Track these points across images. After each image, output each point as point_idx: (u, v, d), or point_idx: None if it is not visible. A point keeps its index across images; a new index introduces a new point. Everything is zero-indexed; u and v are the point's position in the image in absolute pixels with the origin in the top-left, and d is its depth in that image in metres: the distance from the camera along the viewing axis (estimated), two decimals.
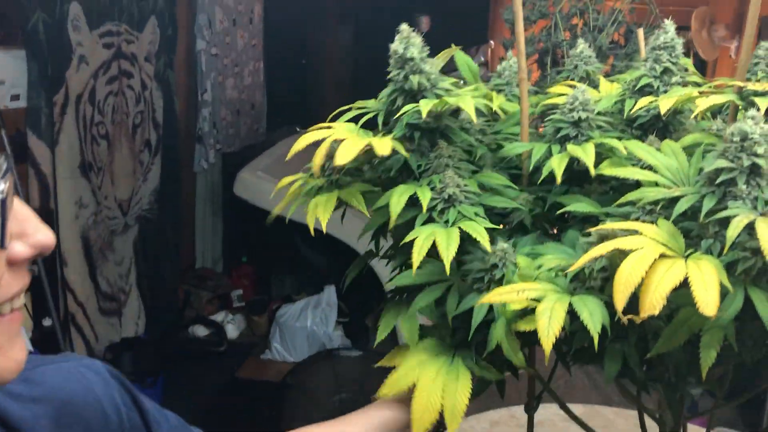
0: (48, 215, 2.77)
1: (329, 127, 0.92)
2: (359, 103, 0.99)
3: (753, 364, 0.73)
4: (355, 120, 0.93)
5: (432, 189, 0.85)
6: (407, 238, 0.81)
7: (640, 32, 1.18)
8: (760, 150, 0.69)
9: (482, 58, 4.11)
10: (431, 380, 0.81)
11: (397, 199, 0.84)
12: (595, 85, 1.13)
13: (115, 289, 3.35)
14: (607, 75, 1.71)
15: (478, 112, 0.96)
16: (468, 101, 0.85)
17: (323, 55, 5.70)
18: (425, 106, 0.83)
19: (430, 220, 0.85)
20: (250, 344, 3.84)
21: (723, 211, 0.68)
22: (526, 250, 0.83)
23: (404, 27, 0.91)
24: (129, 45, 3.32)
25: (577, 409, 1.90)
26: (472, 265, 0.82)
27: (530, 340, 0.81)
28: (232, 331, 3.90)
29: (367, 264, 1.03)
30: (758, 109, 0.74)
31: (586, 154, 0.83)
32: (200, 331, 3.82)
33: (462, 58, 1.07)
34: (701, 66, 6.46)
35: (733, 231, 0.64)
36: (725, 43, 6.27)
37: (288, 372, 2.97)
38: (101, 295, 3.22)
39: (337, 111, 1.00)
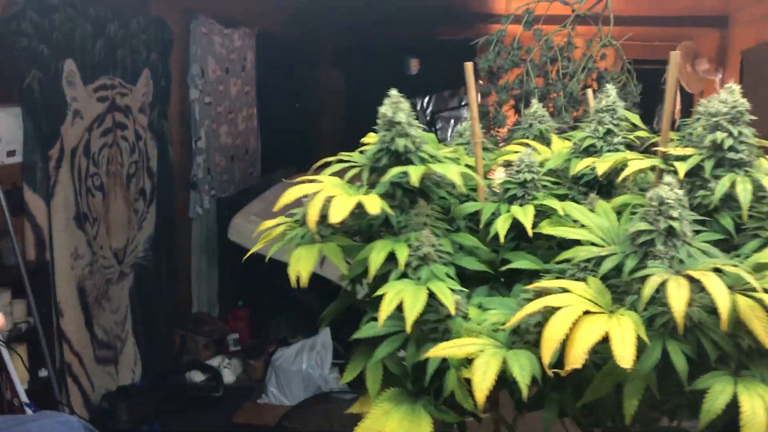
0: (44, 267, 2.83)
1: (316, 180, 0.99)
2: (343, 155, 1.06)
3: (675, 408, 0.79)
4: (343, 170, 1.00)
5: (409, 246, 0.92)
6: (379, 292, 0.87)
7: (590, 92, 1.26)
8: (674, 213, 0.75)
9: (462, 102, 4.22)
10: (396, 429, 0.86)
11: (376, 255, 0.90)
12: (548, 143, 1.21)
13: (111, 336, 3.39)
14: (578, 120, 1.81)
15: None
16: (453, 170, 0.92)
17: (316, 99, 5.83)
18: (415, 173, 0.89)
19: (404, 274, 0.91)
20: (246, 388, 3.86)
21: (642, 270, 0.74)
22: (477, 301, 0.89)
23: (393, 92, 0.98)
24: (123, 97, 3.42)
25: None
26: (428, 316, 0.88)
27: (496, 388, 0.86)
28: (228, 375, 3.92)
29: (346, 305, 1.09)
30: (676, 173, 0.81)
31: (525, 215, 0.90)
32: (197, 376, 3.85)
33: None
34: (689, 98, 6.59)
35: (648, 290, 0.70)
36: (709, 76, 6.40)
37: (283, 416, 3.00)
38: (97, 344, 3.26)
39: (321, 162, 1.07)
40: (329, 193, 0.91)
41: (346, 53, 5.66)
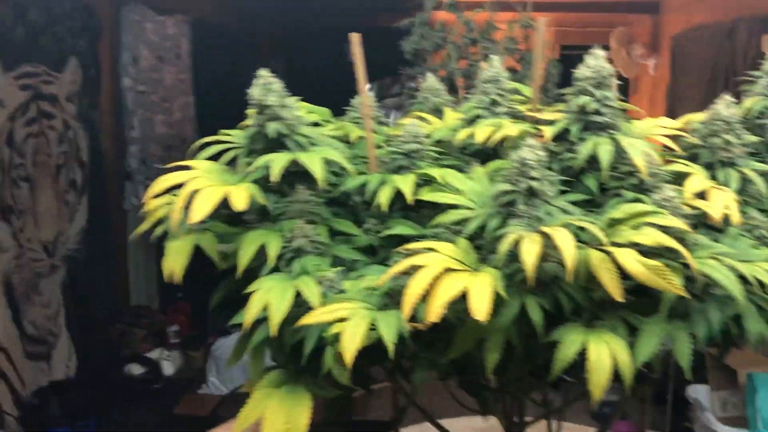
0: None
1: (189, 167, 0.97)
2: (224, 133, 1.05)
3: (544, 363, 0.82)
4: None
5: (283, 237, 0.91)
6: (248, 289, 0.87)
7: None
8: (535, 174, 0.78)
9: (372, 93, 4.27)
10: (275, 411, 0.86)
11: (245, 250, 0.89)
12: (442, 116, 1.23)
13: (42, 331, 3.31)
14: None
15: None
16: (315, 160, 0.91)
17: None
18: (277, 165, 0.89)
19: (277, 267, 0.91)
20: (187, 380, 3.82)
21: (503, 228, 0.76)
22: (357, 273, 0.90)
23: (263, 72, 0.97)
24: (49, 86, 3.32)
25: (460, 421, 1.98)
26: (301, 299, 0.88)
27: (375, 359, 0.87)
28: (168, 367, 3.87)
29: (229, 290, 1.08)
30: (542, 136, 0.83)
31: (406, 183, 0.91)
32: (136, 369, 3.79)
33: (306, 107, 1.15)
34: (624, 83, 6.75)
35: (504, 246, 0.72)
36: (644, 60, 6.58)
37: (217, 404, 2.98)
38: (27, 339, 3.17)
39: (200, 141, 1.06)
40: (196, 186, 0.89)
41: (285, 41, 5.61)
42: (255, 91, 0.91)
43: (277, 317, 0.79)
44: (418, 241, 0.89)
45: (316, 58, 5.20)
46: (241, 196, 0.86)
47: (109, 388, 3.58)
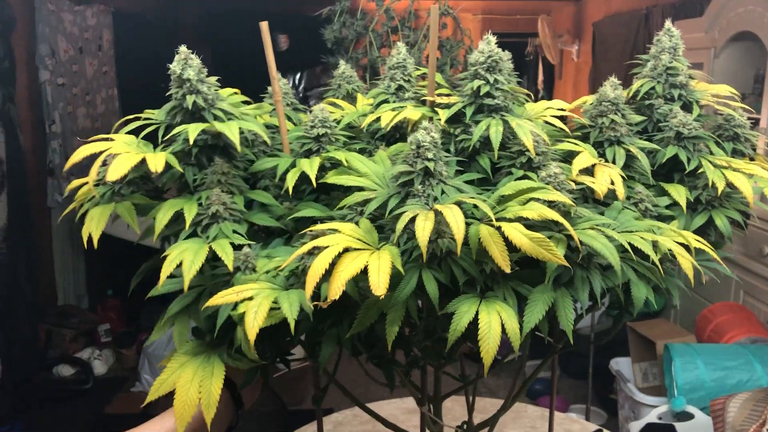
0: None
1: (110, 139, 0.97)
2: (147, 113, 1.05)
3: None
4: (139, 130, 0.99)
5: (200, 205, 0.93)
6: (165, 254, 0.88)
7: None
8: (430, 155, 0.81)
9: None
10: (189, 380, 0.88)
11: (162, 216, 0.91)
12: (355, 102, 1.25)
13: None
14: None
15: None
16: (233, 128, 0.93)
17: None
18: (193, 132, 0.90)
19: (195, 233, 0.93)
20: (119, 378, 3.75)
21: (401, 208, 0.80)
22: (267, 252, 0.92)
23: (183, 49, 0.97)
24: None
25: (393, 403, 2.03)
26: (220, 270, 0.91)
27: (282, 335, 0.90)
28: (99, 367, 3.79)
29: (149, 270, 1.09)
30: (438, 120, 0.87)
31: (311, 167, 0.93)
32: (65, 370, 3.69)
33: (227, 90, 1.15)
34: (551, 68, 6.92)
35: (400, 224, 0.76)
36: (567, 47, 6.77)
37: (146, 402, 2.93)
38: None
39: (123, 119, 1.06)
40: (116, 150, 0.90)
41: (212, 30, 5.52)
42: (174, 65, 0.92)
43: (189, 274, 0.81)
44: (325, 222, 0.92)
45: (243, 46, 5.14)
46: (158, 161, 0.87)
47: (36, 391, 3.48)
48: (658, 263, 0.81)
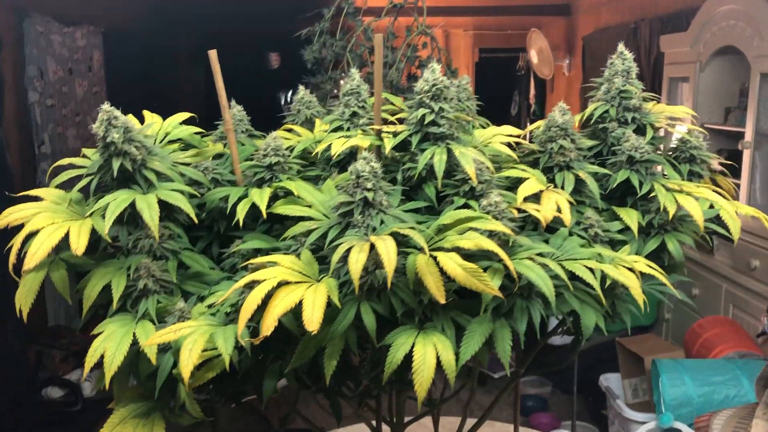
0: None
1: (38, 198, 0.96)
2: (85, 154, 1.03)
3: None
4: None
5: (129, 275, 0.90)
6: (94, 331, 0.87)
7: (213, 54, 1.29)
8: (369, 185, 0.81)
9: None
10: None
11: (90, 290, 0.89)
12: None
13: None
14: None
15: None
16: (151, 201, 0.88)
17: (176, 95, 5.67)
18: (111, 212, 0.86)
19: (124, 304, 0.91)
20: (109, 399, 3.73)
21: (339, 239, 0.79)
22: (212, 290, 0.91)
23: (104, 107, 0.95)
24: None
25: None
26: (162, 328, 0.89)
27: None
28: (88, 388, 3.76)
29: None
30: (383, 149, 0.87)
31: (261, 198, 0.93)
32: (54, 392, 3.67)
33: (184, 129, 1.13)
34: (542, 83, 6.93)
35: (335, 256, 0.75)
36: (558, 61, 6.79)
37: None
38: None
39: (55, 164, 1.05)
40: (36, 226, 0.88)
41: (203, 50, 5.54)
42: (97, 127, 0.90)
43: (111, 370, 0.80)
44: (270, 254, 0.91)
45: (237, 67, 5.17)
46: (81, 237, 0.84)
47: (25, 414, 3.46)
48: (599, 291, 0.80)
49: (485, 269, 0.75)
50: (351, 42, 2.33)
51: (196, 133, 1.16)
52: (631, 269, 0.86)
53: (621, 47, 1.09)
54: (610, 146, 1.06)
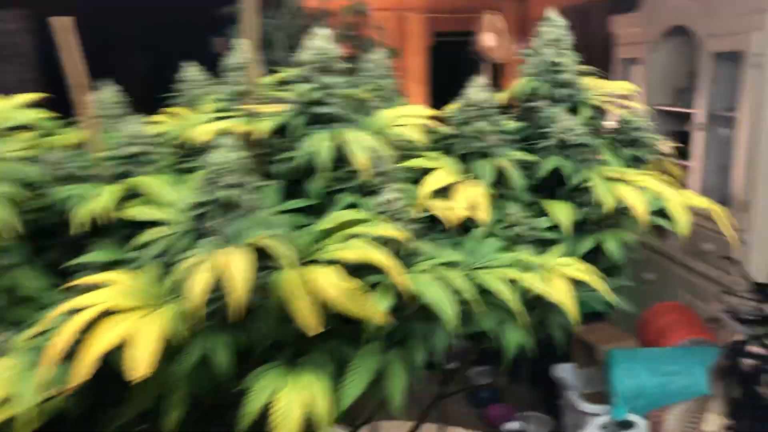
0: None
1: None
2: None
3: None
4: None
5: None
6: None
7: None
8: (230, 180, 0.63)
9: None
10: None
11: None
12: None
13: None
14: None
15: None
16: None
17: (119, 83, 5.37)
18: None
19: None
20: None
21: (189, 251, 0.62)
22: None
23: None
24: None
25: None
26: None
27: None
28: None
29: None
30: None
31: (106, 198, 0.75)
32: None
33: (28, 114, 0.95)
34: (497, 68, 6.84)
35: (175, 277, 0.58)
36: (513, 45, 6.69)
37: None
38: None
39: None
40: None
41: (141, 32, 5.25)
42: None
43: None
44: (115, 267, 0.73)
45: (174, 47, 4.90)
46: None
47: None
48: (518, 309, 0.65)
49: (375, 285, 0.58)
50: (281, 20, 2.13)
51: (53, 118, 0.97)
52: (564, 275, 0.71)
53: (550, 12, 0.93)
54: (539, 128, 0.91)
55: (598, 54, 4.11)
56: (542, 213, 0.83)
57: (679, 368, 2.81)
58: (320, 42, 0.74)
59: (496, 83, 6.65)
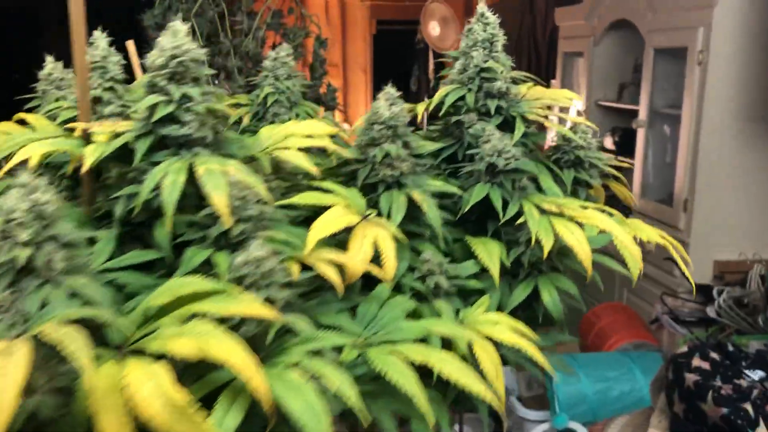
0: None
1: None
2: None
3: None
4: None
5: None
6: None
7: (130, 44, 0.92)
8: (24, 236, 0.45)
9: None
10: None
11: None
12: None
13: None
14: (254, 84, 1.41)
15: None
16: None
17: (41, 66, 5.02)
18: None
19: None
20: None
21: None
22: None
23: None
24: None
25: None
26: None
27: None
28: None
29: None
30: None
31: None
32: None
33: None
34: (442, 57, 6.72)
35: None
36: (457, 35, 6.57)
37: None
38: None
39: None
40: None
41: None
42: None
43: None
44: None
45: (113, 29, 4.59)
46: None
47: None
48: (423, 404, 0.49)
49: (223, 387, 0.42)
50: (198, 4, 1.92)
51: None
52: (489, 339, 0.55)
53: (482, 6, 0.77)
54: (467, 147, 0.75)
55: (542, 47, 4.01)
56: (467, 253, 0.68)
57: (620, 373, 2.74)
58: (175, 39, 0.56)
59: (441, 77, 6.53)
